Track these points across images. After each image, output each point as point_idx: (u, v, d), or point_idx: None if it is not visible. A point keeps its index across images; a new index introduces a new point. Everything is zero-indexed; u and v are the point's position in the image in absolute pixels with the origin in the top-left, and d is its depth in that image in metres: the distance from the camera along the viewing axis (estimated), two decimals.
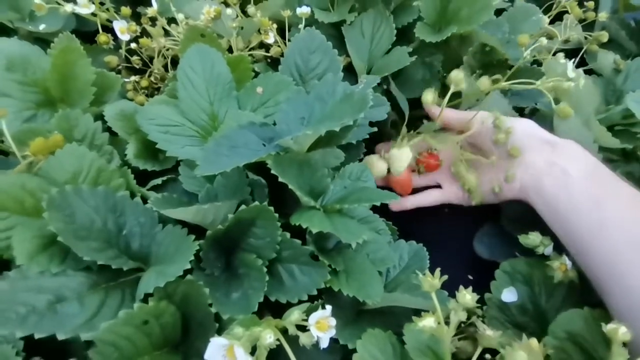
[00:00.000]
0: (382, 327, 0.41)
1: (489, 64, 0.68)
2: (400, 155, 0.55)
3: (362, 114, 0.36)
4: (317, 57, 0.56)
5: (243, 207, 0.38)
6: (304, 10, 0.63)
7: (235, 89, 0.50)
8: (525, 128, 0.55)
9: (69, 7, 0.57)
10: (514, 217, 0.66)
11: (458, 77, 0.55)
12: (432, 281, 0.35)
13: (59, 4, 0.59)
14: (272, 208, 0.38)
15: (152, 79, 0.66)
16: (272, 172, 0.38)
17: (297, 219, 0.38)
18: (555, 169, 0.51)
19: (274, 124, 0.46)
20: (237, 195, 0.44)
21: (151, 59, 0.70)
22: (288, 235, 0.39)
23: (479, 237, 0.66)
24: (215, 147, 0.41)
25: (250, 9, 0.71)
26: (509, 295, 0.52)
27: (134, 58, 0.69)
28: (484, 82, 0.56)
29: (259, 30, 0.68)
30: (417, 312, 0.47)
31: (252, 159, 0.38)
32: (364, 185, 0.47)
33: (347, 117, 0.36)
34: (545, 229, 0.54)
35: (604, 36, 0.73)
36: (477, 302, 0.39)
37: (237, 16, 0.67)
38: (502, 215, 0.66)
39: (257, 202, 0.38)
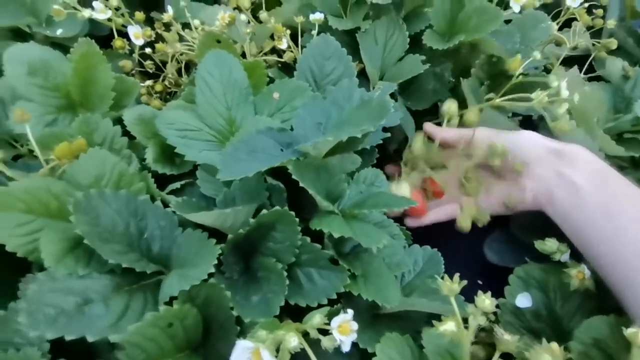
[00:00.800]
0: (399, 331, 0.42)
1: (496, 74, 0.68)
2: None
3: (384, 121, 0.36)
4: (331, 63, 0.56)
5: (264, 211, 0.38)
6: (317, 17, 0.64)
7: (252, 94, 0.51)
8: (528, 140, 0.55)
9: (86, 13, 0.58)
10: (524, 222, 0.66)
11: (451, 109, 0.56)
12: (452, 286, 0.36)
13: (76, 9, 0.60)
14: (292, 213, 0.39)
15: (166, 83, 0.66)
16: (293, 177, 0.38)
17: (317, 224, 0.38)
18: (565, 179, 0.51)
19: (291, 129, 0.47)
20: (255, 200, 0.45)
21: (164, 63, 0.70)
22: (308, 239, 0.40)
23: (489, 243, 0.66)
24: (234, 152, 0.41)
25: (263, 14, 0.72)
26: (523, 300, 0.52)
27: (147, 62, 0.70)
28: (471, 116, 0.57)
29: (271, 36, 0.69)
30: (432, 316, 0.48)
31: (273, 164, 0.39)
32: (380, 191, 0.47)
33: (368, 124, 0.36)
34: (554, 235, 0.54)
35: (613, 43, 0.74)
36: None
37: (249, 22, 0.68)
38: (511, 221, 0.67)
39: (277, 207, 0.39)
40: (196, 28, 0.61)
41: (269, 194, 0.45)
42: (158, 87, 0.66)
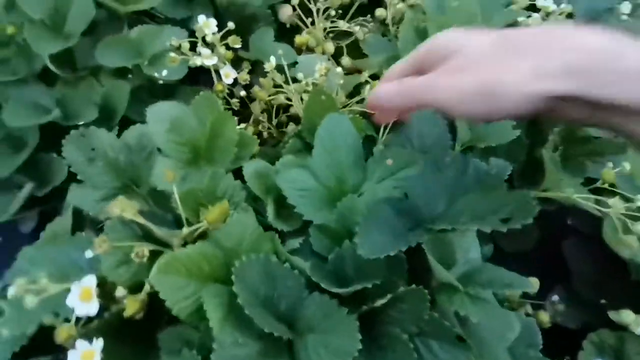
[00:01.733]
0: None
1: (571, 138, 0.71)
2: None
3: (531, 220, 0.39)
4: (428, 127, 0.59)
5: (402, 289, 0.41)
6: None
7: (363, 157, 0.53)
8: None
9: (198, 61, 0.61)
10: (587, 280, 0.69)
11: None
12: None
13: (184, 54, 0.63)
14: (426, 291, 0.41)
15: (260, 127, 0.69)
16: (428, 255, 0.41)
17: (447, 302, 0.41)
18: None
19: (406, 196, 0.50)
20: (370, 266, 0.47)
21: (251, 99, 0.73)
22: (436, 315, 0.42)
23: (551, 302, 0.69)
24: (366, 225, 0.44)
25: (345, 60, 0.75)
26: None
27: (234, 100, 0.73)
28: None
29: (356, 87, 0.72)
30: None
31: (411, 244, 0.41)
32: (484, 264, 0.49)
33: (511, 217, 0.39)
34: (618, 291, 0.57)
35: None
36: None
37: (344, 72, 0.70)
38: (573, 277, 0.70)
39: (413, 286, 0.41)
40: (299, 81, 0.64)
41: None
42: (250, 130, 0.68)
